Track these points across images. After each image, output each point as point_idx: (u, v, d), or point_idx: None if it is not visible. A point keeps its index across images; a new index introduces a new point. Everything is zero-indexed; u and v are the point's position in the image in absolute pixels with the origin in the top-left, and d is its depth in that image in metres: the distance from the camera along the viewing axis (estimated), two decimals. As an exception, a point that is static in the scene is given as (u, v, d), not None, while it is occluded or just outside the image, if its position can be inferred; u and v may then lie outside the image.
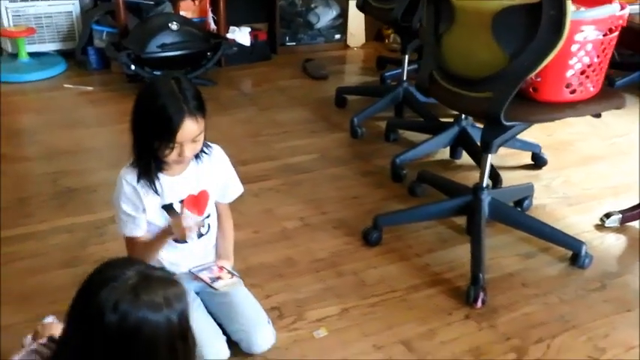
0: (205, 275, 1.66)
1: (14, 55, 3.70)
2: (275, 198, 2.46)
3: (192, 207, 1.67)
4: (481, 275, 1.88)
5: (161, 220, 1.65)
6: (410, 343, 1.75)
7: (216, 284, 1.64)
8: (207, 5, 3.80)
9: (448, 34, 1.84)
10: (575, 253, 2.06)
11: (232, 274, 1.68)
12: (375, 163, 2.72)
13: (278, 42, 4.14)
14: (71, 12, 3.79)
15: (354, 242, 2.18)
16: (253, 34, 3.94)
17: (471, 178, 2.48)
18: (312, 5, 4.23)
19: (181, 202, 1.65)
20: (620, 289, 1.99)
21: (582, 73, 1.73)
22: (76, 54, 3.75)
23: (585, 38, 1.70)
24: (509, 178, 2.58)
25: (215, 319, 1.71)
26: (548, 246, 2.14)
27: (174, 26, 3.33)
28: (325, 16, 4.26)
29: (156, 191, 1.61)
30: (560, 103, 1.77)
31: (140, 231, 1.64)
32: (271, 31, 4.13)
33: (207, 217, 1.73)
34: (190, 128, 1.51)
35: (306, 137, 2.97)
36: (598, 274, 2.05)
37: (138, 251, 1.65)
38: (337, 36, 4.33)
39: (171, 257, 1.70)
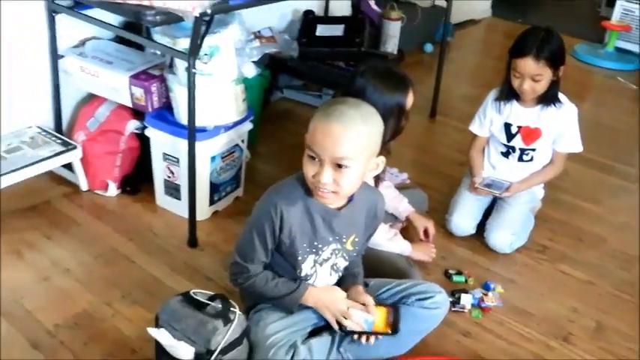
0: (491, 182, 2.23)
1: (605, 44, 4.33)
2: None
3: (524, 134, 2.19)
4: None
5: (499, 135, 2.23)
6: (601, 327, 1.87)
7: (492, 189, 2.21)
8: None
9: None
10: None
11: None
12: None
13: None
14: None
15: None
16: None
17: None
18: None
19: (519, 127, 2.19)
20: None
21: None
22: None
23: None
24: None
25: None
26: None
27: None
28: None
29: (500, 110, 2.20)
30: None
31: (478, 131, 2.26)
32: None
33: (533, 150, 2.20)
34: (529, 65, 2.00)
35: None
36: None
37: (473, 151, 2.31)
38: None
39: (491, 172, 2.29)
